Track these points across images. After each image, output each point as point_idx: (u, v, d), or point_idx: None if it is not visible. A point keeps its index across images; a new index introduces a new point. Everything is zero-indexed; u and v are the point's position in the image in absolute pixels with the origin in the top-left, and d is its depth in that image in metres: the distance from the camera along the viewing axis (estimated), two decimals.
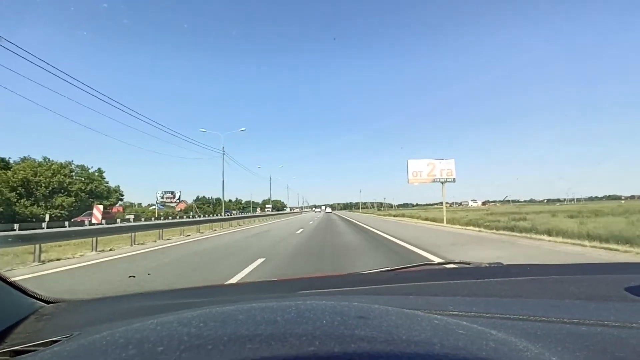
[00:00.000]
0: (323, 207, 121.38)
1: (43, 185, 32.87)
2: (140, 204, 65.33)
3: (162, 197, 57.62)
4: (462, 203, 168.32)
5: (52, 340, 0.67)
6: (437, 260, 5.55)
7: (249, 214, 33.25)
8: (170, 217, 30.25)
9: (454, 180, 19.60)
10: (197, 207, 74.73)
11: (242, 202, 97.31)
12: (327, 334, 0.39)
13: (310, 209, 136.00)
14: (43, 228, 11.73)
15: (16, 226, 13.51)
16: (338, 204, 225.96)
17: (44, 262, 6.97)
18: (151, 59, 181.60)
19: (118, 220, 22.69)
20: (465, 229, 14.44)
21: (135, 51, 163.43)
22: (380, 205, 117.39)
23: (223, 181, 32.30)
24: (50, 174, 33.59)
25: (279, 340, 0.37)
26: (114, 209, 38.56)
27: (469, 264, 1.41)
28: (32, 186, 32.53)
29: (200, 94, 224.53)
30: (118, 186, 45.76)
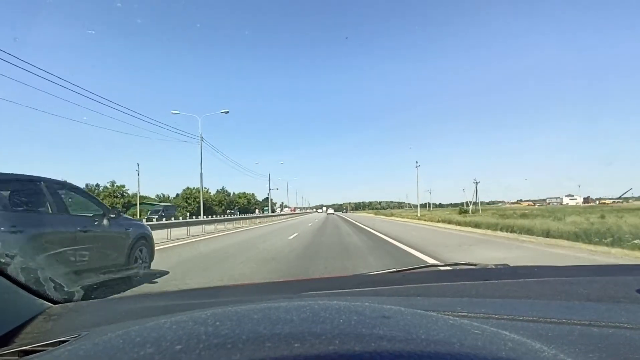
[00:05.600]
0: (324, 208, 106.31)
1: None
2: None
3: None
4: (549, 200, 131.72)
5: (60, 341, 0.67)
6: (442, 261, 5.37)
7: None
8: None
9: None
10: None
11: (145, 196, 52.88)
12: (346, 333, 0.38)
13: (312, 210, 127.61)
14: None
15: None
16: (349, 203, 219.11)
17: None
18: (156, 56, 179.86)
19: None
20: None
21: (143, 49, 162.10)
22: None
23: (201, 174, 26.76)
24: None
25: (298, 339, 0.36)
26: None
27: (475, 265, 1.39)
28: None
29: (203, 91, 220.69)
30: None
